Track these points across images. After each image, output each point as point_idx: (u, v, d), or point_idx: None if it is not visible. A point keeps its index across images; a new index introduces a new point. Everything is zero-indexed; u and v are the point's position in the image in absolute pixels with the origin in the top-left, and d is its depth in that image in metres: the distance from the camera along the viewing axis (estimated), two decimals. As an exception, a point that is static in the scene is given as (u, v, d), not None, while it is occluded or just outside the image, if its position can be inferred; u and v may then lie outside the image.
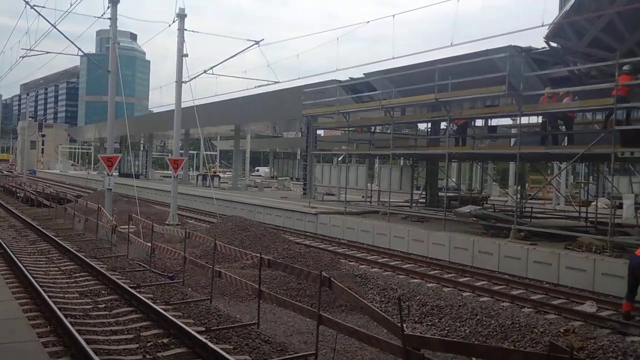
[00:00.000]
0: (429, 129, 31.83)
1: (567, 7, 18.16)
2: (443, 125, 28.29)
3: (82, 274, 15.59)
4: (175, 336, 9.52)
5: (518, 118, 21.89)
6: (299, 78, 29.79)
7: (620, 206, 23.21)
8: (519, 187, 32.39)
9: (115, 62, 23.66)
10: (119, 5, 23.51)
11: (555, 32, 18.39)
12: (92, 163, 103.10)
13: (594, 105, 19.00)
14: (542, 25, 18.20)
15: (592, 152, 18.31)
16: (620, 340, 11.41)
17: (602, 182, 35.75)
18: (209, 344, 8.64)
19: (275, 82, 30.67)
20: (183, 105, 28.36)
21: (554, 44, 19.03)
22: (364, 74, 29.55)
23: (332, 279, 9.20)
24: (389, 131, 27.70)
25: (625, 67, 16.62)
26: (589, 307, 13.87)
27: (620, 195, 24.32)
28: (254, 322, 10.79)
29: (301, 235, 26.29)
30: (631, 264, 12.68)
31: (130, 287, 12.94)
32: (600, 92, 18.41)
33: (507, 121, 30.25)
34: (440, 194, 30.92)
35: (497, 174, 54.05)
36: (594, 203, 27.68)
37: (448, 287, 16.19)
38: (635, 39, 16.77)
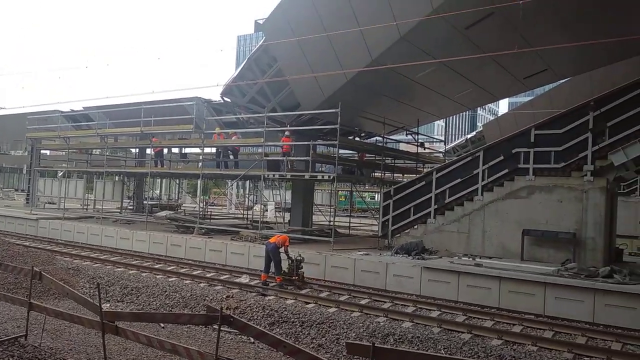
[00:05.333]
0: (137, 153, 30.62)
1: (234, 75, 19.33)
2: (149, 150, 27.46)
3: None
4: None
5: (202, 148, 22.38)
6: (23, 107, 25.95)
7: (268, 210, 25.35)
8: (202, 197, 32.89)
9: None
10: None
11: (227, 91, 19.32)
12: None
13: (252, 143, 20.56)
14: (218, 85, 19.10)
15: (251, 174, 19.72)
16: (261, 300, 12.45)
17: (259, 194, 38.40)
18: None
19: (1, 108, 26.32)
20: None
21: (227, 99, 19.91)
22: (84, 107, 27.25)
23: (42, 272, 8.26)
24: (106, 153, 25.96)
25: (287, 133, 18.51)
26: (244, 279, 14.73)
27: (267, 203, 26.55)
28: (-34, 314, 9.08)
29: (22, 237, 22.79)
30: (266, 248, 13.90)
31: None
32: (256, 133, 19.98)
33: (197, 150, 30.63)
34: (145, 202, 29.76)
35: (190, 187, 54.05)
36: (253, 207, 29.69)
37: (145, 272, 15.65)
38: (277, 100, 18.51)
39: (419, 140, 22.35)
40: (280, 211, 21.92)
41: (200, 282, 14.42)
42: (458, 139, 48.33)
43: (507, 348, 9.25)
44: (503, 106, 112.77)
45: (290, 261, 13.90)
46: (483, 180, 15.93)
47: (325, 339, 10.27)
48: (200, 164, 21.89)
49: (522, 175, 15.20)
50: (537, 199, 14.76)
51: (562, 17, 14.51)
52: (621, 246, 17.56)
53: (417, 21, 13.34)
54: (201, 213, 22.37)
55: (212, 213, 29.05)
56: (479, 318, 11.16)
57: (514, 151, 15.48)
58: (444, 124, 41.69)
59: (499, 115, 58.57)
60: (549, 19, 14.41)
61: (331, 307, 11.92)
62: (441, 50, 15.28)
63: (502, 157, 15.69)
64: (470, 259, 14.41)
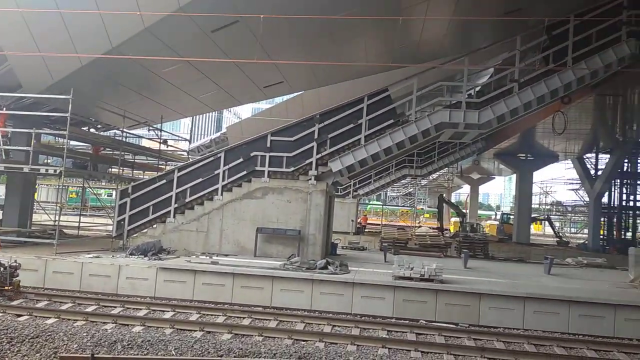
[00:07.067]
0: None
1: None
2: None
3: None
4: None
5: None
6: None
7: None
8: None
9: None
10: None
11: None
12: None
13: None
14: None
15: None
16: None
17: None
18: None
19: None
20: None
21: None
22: None
23: None
24: None
25: None
26: None
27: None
28: None
29: None
30: None
31: None
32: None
33: None
34: None
35: None
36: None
37: None
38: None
39: (162, 137, 21.77)
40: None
41: None
42: (204, 138, 48.91)
43: (236, 341, 9.73)
44: (247, 110, 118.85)
45: (2, 268, 11.81)
46: (223, 180, 16.48)
47: (40, 355, 9.04)
48: None
49: (259, 177, 16.31)
50: (270, 200, 16.02)
51: (297, 38, 16.08)
52: (336, 241, 20.41)
53: (162, 15, 12.95)
54: None
55: None
56: (211, 315, 11.46)
57: (252, 154, 16.49)
58: (190, 123, 41.66)
59: (242, 119, 61.51)
60: (286, 37, 15.79)
61: (50, 317, 10.58)
62: (187, 48, 15.18)
63: (241, 160, 16.51)
64: (208, 257, 14.71)
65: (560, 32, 15.71)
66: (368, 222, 43.38)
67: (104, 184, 33.55)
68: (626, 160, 32.88)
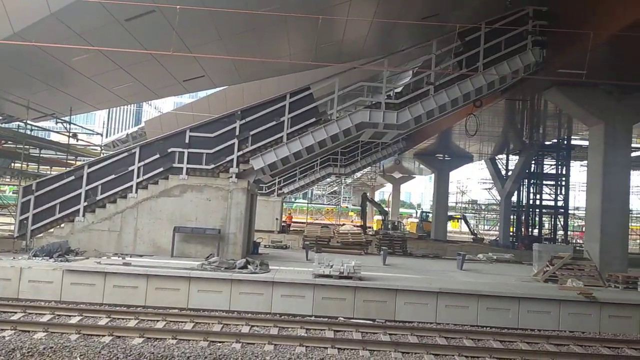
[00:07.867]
0: None
1: None
2: None
3: None
4: None
5: None
6: None
7: None
8: None
9: None
10: None
11: None
12: None
13: None
14: None
15: None
16: None
17: None
18: None
19: None
20: None
21: None
22: None
23: None
24: None
25: None
26: None
27: None
28: None
29: None
30: None
31: None
32: None
33: None
34: None
35: None
36: None
37: None
38: None
39: (72, 131, 20.51)
40: None
41: None
42: (121, 132, 46.73)
43: (147, 345, 9.36)
44: (170, 105, 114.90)
45: None
46: (139, 177, 15.83)
47: None
48: None
49: (177, 175, 15.82)
50: (189, 198, 15.60)
51: (218, 32, 15.73)
52: (259, 239, 20.27)
53: (70, 1, 12.17)
54: None
55: None
56: (122, 319, 10.95)
57: (169, 150, 15.96)
58: (106, 116, 39.60)
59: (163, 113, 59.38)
60: (206, 30, 15.41)
61: (-64, 327, 9.63)
62: (99, 37, 14.37)
63: (158, 156, 15.93)
64: (120, 258, 14.05)
65: (472, 38, 16.58)
66: (293, 220, 43.49)
67: (8, 179, 31.06)
68: (533, 162, 35.36)
